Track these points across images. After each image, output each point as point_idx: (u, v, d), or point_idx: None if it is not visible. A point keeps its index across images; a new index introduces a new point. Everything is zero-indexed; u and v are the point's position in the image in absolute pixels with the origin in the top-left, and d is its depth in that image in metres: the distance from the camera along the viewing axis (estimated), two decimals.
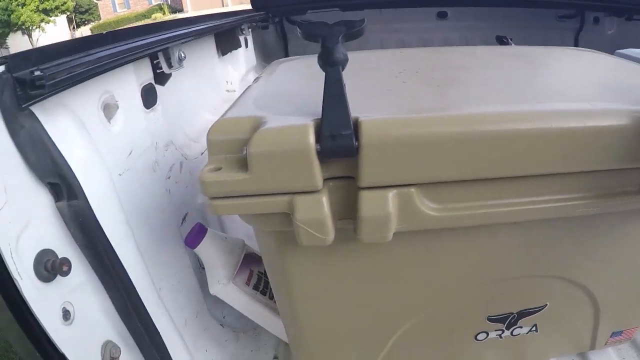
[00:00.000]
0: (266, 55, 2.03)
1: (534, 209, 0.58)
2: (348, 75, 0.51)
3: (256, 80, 0.80)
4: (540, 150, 0.54)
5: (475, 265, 0.67)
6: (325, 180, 0.53)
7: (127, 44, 0.69)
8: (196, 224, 0.91)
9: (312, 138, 0.50)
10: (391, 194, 0.53)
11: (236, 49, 1.52)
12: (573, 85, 0.72)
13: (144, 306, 0.67)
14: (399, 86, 0.68)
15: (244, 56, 1.66)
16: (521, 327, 0.79)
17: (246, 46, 1.67)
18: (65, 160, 0.54)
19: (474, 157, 0.53)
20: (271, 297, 0.96)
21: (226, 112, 0.61)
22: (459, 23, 2.08)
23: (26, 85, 0.48)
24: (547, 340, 0.84)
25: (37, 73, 0.48)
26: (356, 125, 0.51)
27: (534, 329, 0.80)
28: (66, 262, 0.54)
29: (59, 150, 0.53)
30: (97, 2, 24.37)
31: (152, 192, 0.80)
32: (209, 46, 1.29)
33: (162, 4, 24.79)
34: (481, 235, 0.63)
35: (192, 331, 0.91)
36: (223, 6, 20.87)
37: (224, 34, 1.35)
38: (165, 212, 0.86)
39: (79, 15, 23.24)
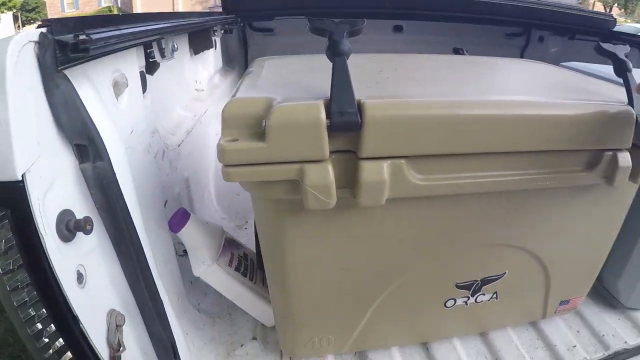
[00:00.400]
0: (229, 59, 2.13)
1: (498, 182, 0.73)
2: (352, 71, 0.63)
3: (248, 73, 0.89)
4: (505, 132, 0.69)
5: (448, 232, 0.81)
6: (330, 152, 0.64)
7: (135, 27, 0.76)
8: (180, 209, 0.98)
9: (323, 114, 0.61)
10: (386, 164, 0.65)
11: (208, 49, 1.60)
12: (529, 84, 0.89)
13: (152, 274, 0.74)
14: (384, 80, 0.81)
15: (213, 57, 1.74)
16: (484, 294, 0.94)
17: (215, 48, 1.75)
18: (94, 123, 0.60)
19: (453, 135, 0.67)
20: (251, 279, 1.04)
21: (234, 95, 0.70)
22: (413, 37, 2.29)
23: (67, 48, 0.54)
24: (505, 309, 1.00)
25: (82, 37, 0.54)
26: (359, 105, 0.63)
27: (494, 296, 0.96)
28: (89, 220, 0.60)
29: (88, 114, 0.59)
30: (45, 0, 23.12)
31: (147, 172, 0.87)
32: (183, 44, 1.36)
33: (112, 5, 23.95)
34: (455, 205, 0.77)
35: (175, 312, 0.97)
36: (174, 9, 20.57)
37: (198, 33, 1.42)
38: (155, 195, 0.92)
39: (25, 13, 22.50)
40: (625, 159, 0.77)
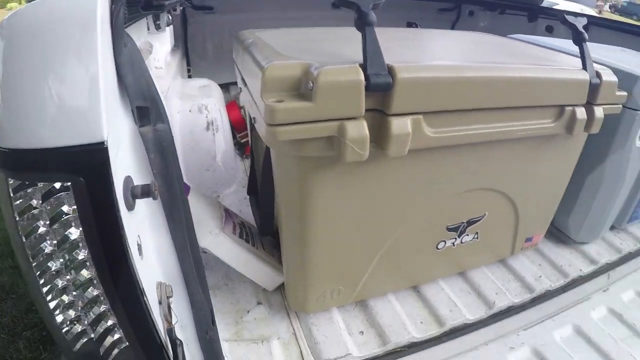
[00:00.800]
0: (174, 38, 2.12)
1: (488, 133, 0.91)
2: (341, 39, 0.74)
3: (252, 44, 0.96)
4: (495, 91, 0.86)
5: (445, 179, 0.98)
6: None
7: None
8: None
9: (362, 75, 0.72)
10: (409, 120, 0.79)
11: (168, 26, 1.59)
12: (505, 53, 1.06)
13: (197, 244, 0.78)
14: (389, 47, 0.93)
15: (169, 35, 1.73)
16: (468, 234, 1.13)
17: (171, 25, 1.75)
18: (155, 84, 0.63)
19: (457, 94, 0.82)
20: (254, 245, 1.12)
21: (258, 63, 0.78)
22: (348, 13, 2.44)
23: (139, 4, 0.55)
24: (482, 249, 1.20)
25: None
26: (389, 69, 0.74)
27: (476, 236, 1.15)
28: (156, 185, 0.63)
29: (150, 74, 0.62)
30: None
31: None
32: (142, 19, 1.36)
33: None
34: (451, 156, 0.93)
35: None
36: None
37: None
38: None
39: None
40: (582, 112, 0.99)
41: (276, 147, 0.80)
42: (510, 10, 2.41)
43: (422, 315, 1.13)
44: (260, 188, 1.12)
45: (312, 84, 0.70)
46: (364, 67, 0.73)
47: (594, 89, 0.98)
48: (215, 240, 1.06)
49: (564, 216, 1.35)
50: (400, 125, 0.77)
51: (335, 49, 0.92)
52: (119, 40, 0.57)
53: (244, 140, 1.95)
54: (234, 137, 1.84)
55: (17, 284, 1.96)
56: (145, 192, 0.62)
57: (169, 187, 0.70)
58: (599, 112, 1.02)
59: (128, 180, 0.61)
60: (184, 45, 2.34)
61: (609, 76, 1.01)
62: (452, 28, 2.77)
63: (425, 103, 0.80)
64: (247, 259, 1.10)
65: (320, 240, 0.94)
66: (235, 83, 1.15)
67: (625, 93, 1.06)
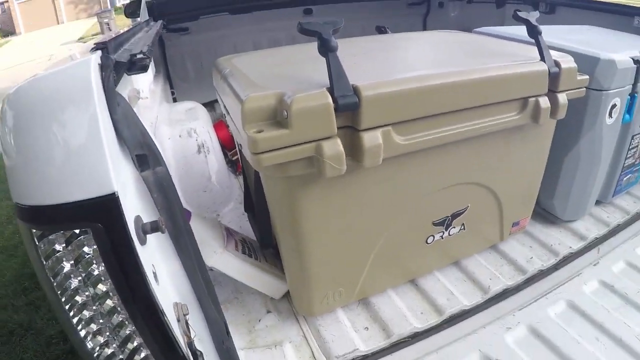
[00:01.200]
0: (155, 64, 2.25)
1: (458, 133, 1.02)
2: (309, 59, 0.86)
3: (229, 74, 1.07)
4: (459, 94, 0.97)
5: (425, 179, 1.09)
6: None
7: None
8: None
9: (330, 99, 0.83)
10: (379, 132, 0.90)
11: None
12: (467, 53, 1.18)
13: (204, 265, 0.90)
14: (354, 65, 1.05)
15: (151, 64, 1.86)
16: (454, 227, 1.24)
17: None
18: (149, 133, 0.75)
19: (422, 102, 0.94)
20: (257, 259, 1.24)
21: (237, 95, 0.90)
22: (322, 18, 2.58)
23: (124, 67, 0.66)
24: (471, 238, 1.31)
25: (139, 56, 0.68)
26: (354, 89, 0.86)
27: (463, 227, 1.26)
28: (163, 220, 0.75)
29: (143, 125, 0.74)
30: None
31: None
32: None
33: None
34: (427, 157, 1.05)
35: None
36: (58, 23, 19.06)
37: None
38: None
39: None
40: (545, 101, 1.10)
41: (263, 171, 0.92)
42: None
43: (421, 306, 1.25)
44: (256, 205, 1.23)
45: (286, 113, 0.82)
46: (330, 90, 0.85)
47: (554, 77, 1.09)
48: (220, 259, 1.18)
49: (549, 197, 1.46)
50: (371, 139, 0.89)
51: (305, 72, 1.03)
52: (113, 101, 0.68)
53: (235, 157, 2.08)
54: (225, 155, 1.97)
55: (35, 319, 2.10)
56: (154, 227, 0.74)
57: (173, 220, 0.82)
58: (562, 98, 1.13)
59: (138, 219, 0.72)
60: (165, 69, 2.47)
61: (568, 63, 1.12)
62: (424, 21, 2.89)
63: (393, 115, 0.91)
64: (252, 272, 1.22)
65: (314, 249, 1.05)
66: None
67: (587, 76, 1.16)
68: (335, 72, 0.85)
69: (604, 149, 1.36)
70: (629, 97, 1.32)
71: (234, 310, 1.28)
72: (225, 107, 1.12)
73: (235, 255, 1.19)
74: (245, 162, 1.42)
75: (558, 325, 1.18)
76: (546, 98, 1.11)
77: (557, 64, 1.10)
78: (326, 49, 0.85)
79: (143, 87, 1.78)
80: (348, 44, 0.87)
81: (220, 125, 2.10)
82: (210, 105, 2.39)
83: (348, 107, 0.85)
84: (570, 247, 1.40)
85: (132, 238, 0.65)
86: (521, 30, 1.48)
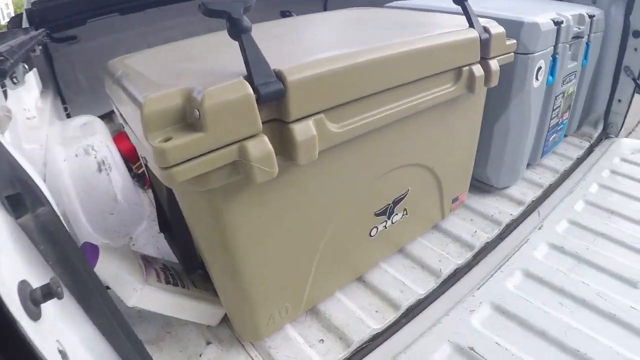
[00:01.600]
0: (42, 79, 1.95)
1: (392, 113, 0.92)
2: (217, 49, 0.71)
3: (123, 75, 0.88)
4: (390, 70, 0.87)
5: (362, 169, 0.99)
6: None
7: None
8: (84, 244, 0.95)
9: (250, 88, 0.69)
10: (311, 122, 0.77)
11: (28, 72, 1.45)
12: (389, 28, 1.07)
13: (127, 323, 0.71)
14: (269, 48, 0.91)
15: (34, 79, 1.58)
16: (397, 214, 1.16)
17: (33, 69, 1.60)
18: (21, 164, 0.56)
19: (353, 83, 0.82)
20: (184, 286, 1.07)
21: (134, 98, 0.72)
22: None
23: None
24: (414, 222, 1.24)
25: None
26: (277, 74, 0.72)
27: (405, 213, 1.18)
28: (57, 282, 0.53)
29: (13, 156, 0.55)
30: None
31: None
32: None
33: None
34: (363, 144, 0.94)
35: None
36: None
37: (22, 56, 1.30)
38: None
39: None
40: (478, 69, 1.04)
41: (177, 187, 0.75)
42: None
43: (374, 304, 1.15)
44: (173, 225, 1.06)
45: (198, 112, 0.66)
46: (249, 78, 0.70)
47: (485, 44, 1.03)
48: (142, 295, 0.99)
49: (482, 167, 1.43)
50: (303, 130, 0.76)
51: (214, 63, 0.87)
52: None
53: (141, 170, 1.85)
54: (129, 170, 1.74)
55: None
56: (47, 293, 0.52)
57: (72, 274, 0.62)
58: (494, 65, 1.07)
59: (24, 285, 0.52)
60: (54, 84, 2.17)
61: (496, 28, 1.07)
62: (325, 3, 2.78)
63: (323, 100, 0.79)
64: (181, 303, 1.05)
65: (252, 267, 0.91)
66: None
67: (514, 41, 1.12)
68: (253, 57, 0.71)
69: (532, 111, 1.35)
70: (551, 58, 1.32)
71: (169, 349, 1.10)
72: (122, 115, 0.93)
73: (159, 287, 1.01)
74: (153, 177, 1.23)
75: (519, 297, 1.15)
76: (479, 66, 1.05)
77: (486, 30, 1.04)
78: (238, 30, 0.70)
79: (28, 105, 1.52)
80: (255, 30, 0.73)
81: (120, 136, 1.86)
82: (108, 116, 2.12)
83: (272, 95, 0.71)
84: (511, 214, 1.38)
85: (15, 319, 0.46)
86: (436, 2, 1.43)
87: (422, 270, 1.23)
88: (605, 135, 1.87)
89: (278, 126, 0.76)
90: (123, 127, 1.02)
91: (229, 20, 0.70)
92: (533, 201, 1.45)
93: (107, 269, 0.96)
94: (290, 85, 0.72)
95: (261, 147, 0.71)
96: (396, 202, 1.13)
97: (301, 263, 1.01)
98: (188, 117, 0.69)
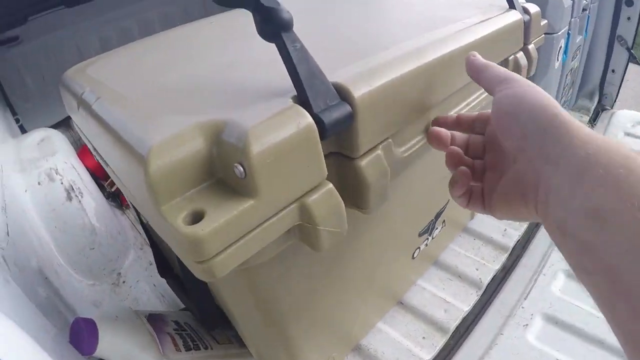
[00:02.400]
0: None
1: None
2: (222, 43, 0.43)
3: (92, 99, 0.57)
4: (455, 68, 0.58)
5: (416, 188, 0.72)
6: None
7: None
8: (76, 320, 0.65)
9: (309, 117, 0.41)
10: (380, 152, 0.50)
11: None
12: (421, 13, 0.79)
13: None
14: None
15: None
16: (437, 228, 0.92)
17: None
18: None
19: (421, 87, 0.54)
20: (207, 348, 0.79)
21: (133, 145, 0.43)
22: None
23: None
24: (450, 231, 1.01)
25: None
26: (339, 90, 0.44)
27: (443, 224, 0.94)
28: None
29: None
30: None
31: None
32: None
33: None
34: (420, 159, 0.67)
35: None
36: None
37: None
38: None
39: None
40: (522, 57, 0.79)
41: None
42: None
43: (419, 329, 0.92)
44: (186, 282, 0.77)
45: (242, 168, 0.38)
46: (303, 101, 0.42)
47: (527, 27, 0.78)
48: None
49: None
50: (374, 167, 0.49)
51: (224, 70, 0.57)
52: None
53: (115, 187, 1.48)
54: (101, 188, 1.39)
55: None
56: None
57: None
58: (533, 51, 0.82)
59: None
60: (0, 95, 1.74)
61: (534, 8, 0.81)
62: None
63: (394, 119, 0.51)
64: None
65: (299, 329, 0.65)
66: None
67: (546, 21, 0.87)
68: (304, 68, 0.42)
69: (551, 93, 1.13)
70: (566, 35, 1.09)
71: None
72: (99, 154, 0.62)
73: (181, 358, 0.73)
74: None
75: (568, 303, 0.94)
76: (522, 53, 0.79)
77: (526, 10, 0.78)
78: (276, 28, 0.41)
79: None
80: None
81: (85, 150, 1.48)
82: (65, 123, 1.73)
83: (340, 124, 0.44)
84: None
85: None
86: None
87: (461, 281, 1.00)
88: (601, 107, 1.70)
89: (335, 162, 0.49)
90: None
91: (258, 12, 0.41)
92: None
93: (113, 348, 0.67)
94: (359, 105, 0.45)
95: (329, 201, 0.44)
96: (437, 216, 0.89)
97: (350, 308, 0.76)
98: (219, 171, 0.41)
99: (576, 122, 0.34)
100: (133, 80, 0.59)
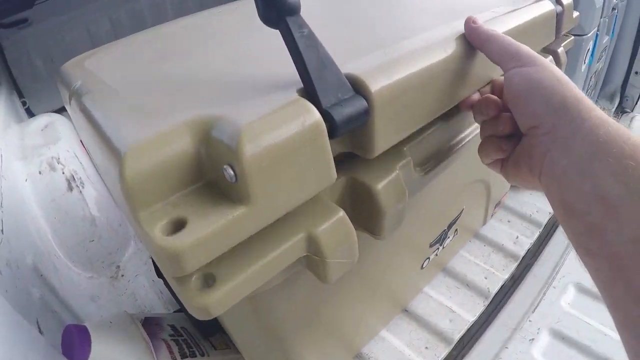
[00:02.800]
0: None
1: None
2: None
3: (86, 92, 0.49)
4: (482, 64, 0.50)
5: (431, 203, 0.64)
6: None
7: None
8: (68, 328, 0.59)
9: (317, 113, 0.33)
10: (399, 172, 0.43)
11: None
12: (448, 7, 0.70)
13: None
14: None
15: None
16: (449, 237, 0.84)
17: None
18: None
19: (443, 87, 0.46)
20: (203, 354, 0.72)
21: (114, 142, 0.35)
22: None
23: None
24: (461, 239, 0.93)
25: None
26: (353, 83, 0.37)
27: (456, 233, 0.86)
28: None
29: None
30: None
31: None
32: None
33: None
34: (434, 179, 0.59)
35: None
36: None
37: None
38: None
39: None
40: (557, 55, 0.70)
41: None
42: None
43: (422, 338, 0.84)
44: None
45: (233, 171, 0.30)
46: (310, 94, 0.35)
47: (559, 19, 0.69)
48: None
49: None
50: (391, 192, 0.41)
51: (227, 63, 0.49)
52: None
53: None
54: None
55: None
56: None
57: None
58: (562, 55, 0.73)
59: None
60: (7, 76, 1.68)
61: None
62: None
63: (412, 117, 0.43)
64: None
65: (302, 345, 0.58)
66: None
67: (578, 13, 0.77)
68: (312, 57, 0.34)
69: None
70: (595, 37, 1.00)
71: None
72: (88, 152, 0.54)
73: None
74: None
75: (577, 318, 0.86)
76: (551, 57, 0.71)
77: (558, 1, 0.69)
78: (279, 12, 0.34)
79: None
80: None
81: None
82: None
83: (353, 122, 0.36)
84: (550, 212, 1.07)
85: None
86: None
87: (468, 290, 0.92)
88: (621, 109, 1.59)
89: (347, 173, 0.41)
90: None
91: None
92: None
93: (107, 353, 0.60)
94: (376, 100, 0.37)
95: (339, 231, 0.36)
96: (450, 226, 0.81)
97: (354, 319, 0.69)
98: (208, 172, 0.33)
99: (588, 104, 0.34)
100: (129, 74, 0.51)
